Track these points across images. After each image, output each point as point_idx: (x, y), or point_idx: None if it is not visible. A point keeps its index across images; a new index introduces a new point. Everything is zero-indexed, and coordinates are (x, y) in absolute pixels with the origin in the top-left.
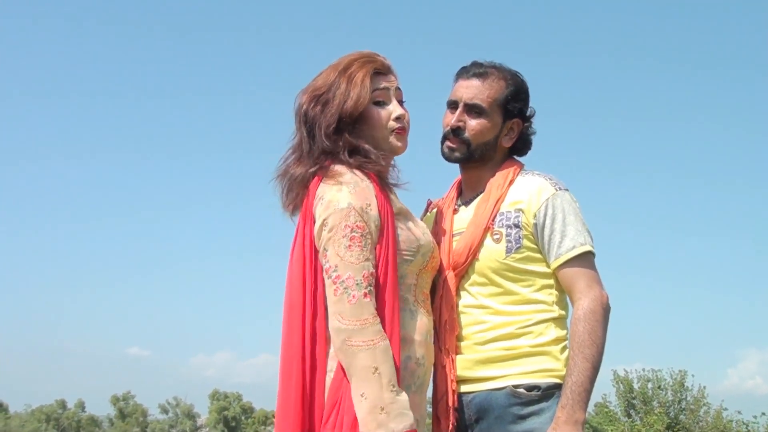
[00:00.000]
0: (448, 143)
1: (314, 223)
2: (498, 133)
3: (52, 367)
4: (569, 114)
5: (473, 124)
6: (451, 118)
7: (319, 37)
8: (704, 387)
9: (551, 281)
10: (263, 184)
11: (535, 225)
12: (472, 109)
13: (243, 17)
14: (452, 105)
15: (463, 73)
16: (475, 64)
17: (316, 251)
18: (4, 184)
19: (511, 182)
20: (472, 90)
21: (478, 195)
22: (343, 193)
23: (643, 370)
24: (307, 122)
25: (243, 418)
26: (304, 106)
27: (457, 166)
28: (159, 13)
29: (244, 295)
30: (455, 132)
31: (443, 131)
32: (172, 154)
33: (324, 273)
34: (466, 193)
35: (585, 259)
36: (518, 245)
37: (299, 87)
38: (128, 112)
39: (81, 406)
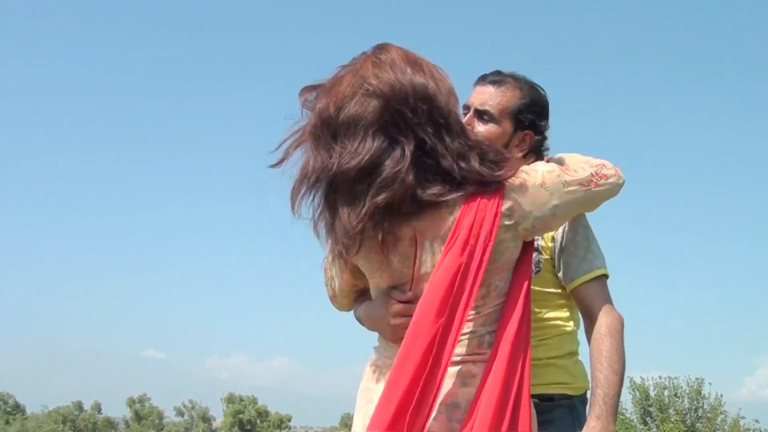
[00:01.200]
0: None
1: None
2: (507, 142)
3: (68, 369)
4: (583, 119)
5: (481, 129)
6: None
7: (320, 37)
8: (721, 395)
9: (565, 300)
10: (281, 185)
11: (553, 248)
12: (482, 115)
13: (244, 18)
14: (464, 109)
15: (481, 79)
16: (494, 72)
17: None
18: (13, 184)
19: None
20: (484, 96)
21: None
22: None
23: (660, 377)
24: None
25: (258, 421)
26: None
27: None
28: (161, 13)
29: (259, 298)
30: None
31: None
32: (186, 152)
33: None
34: None
35: (602, 281)
36: (537, 269)
37: (299, 87)
38: (145, 111)
39: (97, 407)
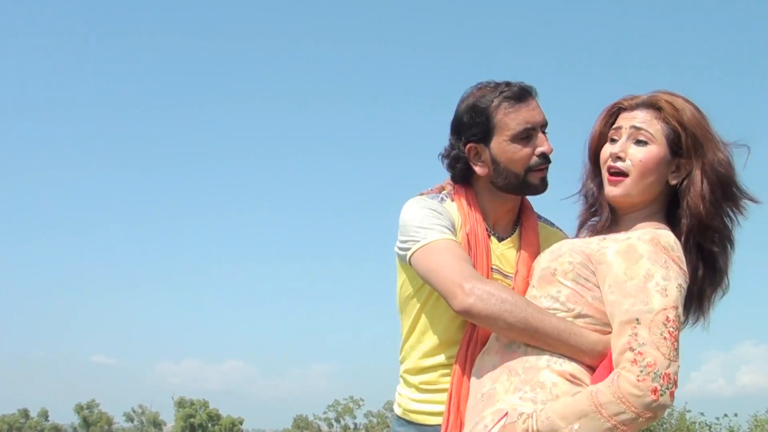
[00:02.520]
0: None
1: None
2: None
3: (14, 376)
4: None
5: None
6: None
7: (317, 45)
8: None
9: None
10: (234, 191)
11: None
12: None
13: (244, 28)
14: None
15: (530, 94)
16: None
17: None
18: None
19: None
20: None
21: (509, 231)
22: None
23: None
24: None
25: (209, 425)
26: None
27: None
28: (165, 23)
29: (210, 302)
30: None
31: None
32: (135, 162)
33: None
34: (499, 227)
35: None
36: None
37: (302, 95)
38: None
39: (44, 415)
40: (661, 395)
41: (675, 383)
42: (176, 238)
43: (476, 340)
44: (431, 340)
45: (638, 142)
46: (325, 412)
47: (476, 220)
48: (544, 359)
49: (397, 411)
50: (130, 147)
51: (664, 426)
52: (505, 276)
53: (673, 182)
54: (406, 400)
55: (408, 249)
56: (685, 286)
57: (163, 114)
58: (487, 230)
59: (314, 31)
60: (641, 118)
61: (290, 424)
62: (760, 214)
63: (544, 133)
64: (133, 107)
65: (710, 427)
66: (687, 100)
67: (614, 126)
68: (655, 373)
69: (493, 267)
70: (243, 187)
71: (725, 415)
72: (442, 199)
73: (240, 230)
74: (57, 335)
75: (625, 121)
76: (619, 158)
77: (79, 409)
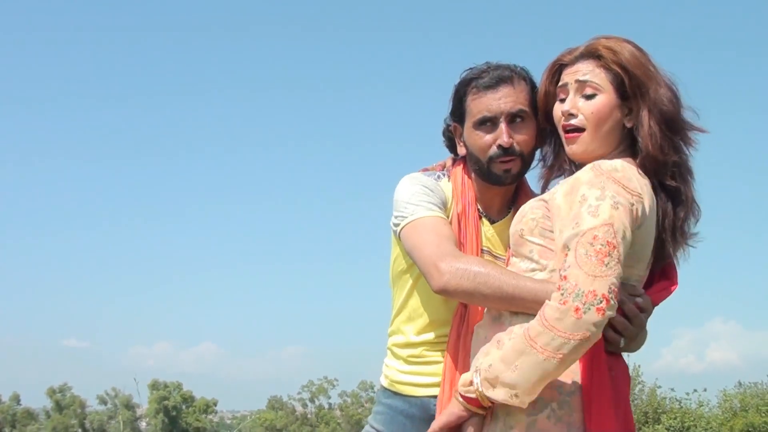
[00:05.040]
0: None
1: None
2: None
3: None
4: None
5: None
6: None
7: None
8: (639, 366)
9: None
10: (203, 178)
11: None
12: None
13: (242, 20)
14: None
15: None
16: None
17: None
18: None
19: None
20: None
21: (502, 214)
22: None
23: None
24: None
25: (184, 407)
26: None
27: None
28: (163, 15)
29: (183, 284)
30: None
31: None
32: (111, 151)
33: None
34: (490, 209)
35: None
36: None
37: (306, 87)
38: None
39: (16, 399)
40: (585, 312)
41: (605, 299)
42: (148, 224)
43: (467, 317)
44: (423, 317)
45: (587, 96)
46: (299, 393)
47: (468, 200)
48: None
49: (384, 383)
50: (101, 137)
51: (635, 402)
52: (496, 258)
53: (629, 125)
54: (394, 372)
55: (398, 225)
56: (627, 202)
57: (143, 105)
58: (478, 211)
59: (302, 23)
60: (584, 69)
61: (265, 405)
62: (730, 192)
63: (513, 123)
64: (117, 99)
65: (680, 402)
66: (625, 41)
67: (560, 84)
68: (576, 293)
69: (484, 248)
70: (211, 174)
71: (695, 391)
72: (438, 176)
73: (211, 215)
74: (28, 319)
75: (568, 76)
76: (571, 115)
77: (51, 392)
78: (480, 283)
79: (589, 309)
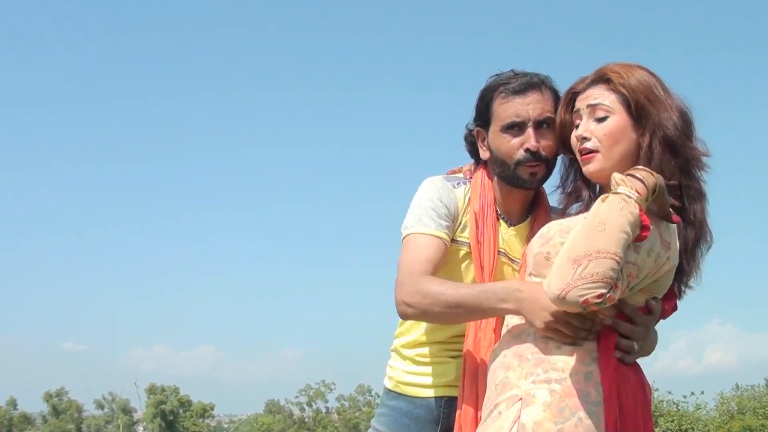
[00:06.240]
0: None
1: None
2: None
3: None
4: None
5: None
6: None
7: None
8: None
9: None
10: (209, 180)
11: None
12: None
13: (242, 20)
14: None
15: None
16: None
17: None
18: None
19: None
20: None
21: (520, 219)
22: None
23: None
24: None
25: (181, 411)
26: None
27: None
28: (163, 15)
29: (181, 287)
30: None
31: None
32: (109, 154)
33: None
34: (509, 213)
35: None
36: None
37: (305, 89)
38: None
39: (13, 403)
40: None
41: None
42: (146, 227)
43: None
44: None
45: (598, 119)
46: (296, 396)
47: (487, 202)
48: (553, 341)
49: (388, 384)
50: (97, 140)
51: None
52: (512, 260)
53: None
54: (400, 373)
55: (401, 233)
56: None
57: (137, 106)
58: (497, 213)
59: (303, 24)
60: (594, 94)
61: (262, 408)
62: (728, 195)
63: (539, 129)
64: (113, 102)
65: (677, 405)
66: (635, 66)
67: (574, 111)
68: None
69: (501, 250)
70: (209, 176)
71: (692, 393)
72: (459, 183)
73: (209, 218)
74: (26, 322)
75: (580, 102)
76: (585, 139)
77: (48, 397)
78: (429, 305)
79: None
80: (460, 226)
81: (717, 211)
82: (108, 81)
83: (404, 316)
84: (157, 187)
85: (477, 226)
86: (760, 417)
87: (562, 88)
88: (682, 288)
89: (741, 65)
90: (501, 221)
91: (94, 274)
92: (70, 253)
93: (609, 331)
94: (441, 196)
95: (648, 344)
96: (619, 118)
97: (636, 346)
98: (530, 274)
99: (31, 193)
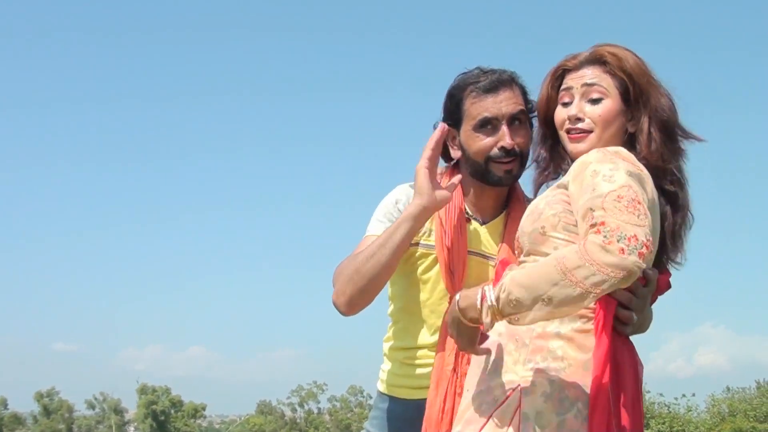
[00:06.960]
0: None
1: None
2: None
3: None
4: None
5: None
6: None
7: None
8: None
9: None
10: (202, 181)
11: None
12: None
13: (244, 21)
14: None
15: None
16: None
17: None
18: None
19: None
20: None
21: (494, 216)
22: None
23: None
24: None
25: (172, 411)
26: None
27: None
28: (163, 16)
29: (173, 287)
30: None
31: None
32: (100, 155)
33: None
34: (482, 211)
35: None
36: None
37: (304, 90)
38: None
39: (3, 403)
40: (629, 254)
41: (645, 246)
42: (139, 227)
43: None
44: (419, 322)
45: (593, 100)
46: (288, 397)
47: (454, 204)
48: (553, 326)
49: (380, 387)
50: (92, 140)
51: None
52: (487, 258)
53: (632, 130)
54: (390, 375)
55: None
56: (637, 172)
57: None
58: (466, 213)
59: (297, 24)
60: (590, 74)
61: (254, 409)
62: (720, 196)
63: (512, 125)
64: (113, 102)
65: (669, 407)
66: (627, 50)
67: (563, 88)
68: (619, 235)
69: (473, 250)
70: (201, 177)
71: (683, 395)
72: None
73: (202, 218)
74: (16, 322)
75: (573, 80)
76: (578, 119)
77: (38, 397)
78: (347, 280)
79: (633, 252)
80: (427, 231)
81: (712, 214)
82: (108, 81)
83: (345, 308)
84: (151, 186)
85: (443, 229)
86: (751, 419)
87: (533, 86)
88: (669, 262)
89: (741, 65)
90: (473, 221)
91: (85, 274)
92: (61, 252)
93: (609, 299)
94: (398, 200)
95: (645, 319)
96: (613, 102)
97: (635, 316)
98: (528, 254)
99: (23, 195)
